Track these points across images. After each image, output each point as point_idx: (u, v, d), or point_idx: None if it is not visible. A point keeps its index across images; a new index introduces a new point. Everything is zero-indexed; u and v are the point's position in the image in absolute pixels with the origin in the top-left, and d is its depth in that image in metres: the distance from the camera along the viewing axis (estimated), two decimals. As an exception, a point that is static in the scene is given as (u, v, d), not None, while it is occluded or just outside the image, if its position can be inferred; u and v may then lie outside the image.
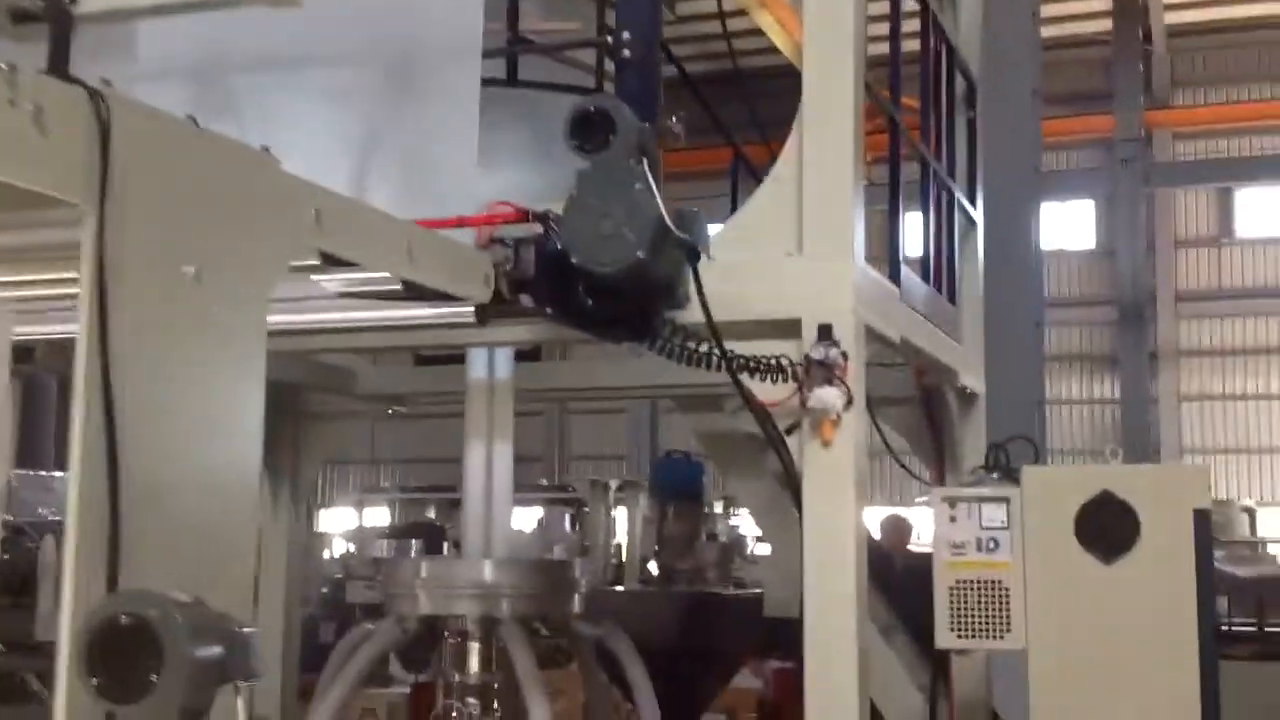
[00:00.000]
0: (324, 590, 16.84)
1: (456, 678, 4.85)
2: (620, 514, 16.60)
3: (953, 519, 4.06)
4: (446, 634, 4.89)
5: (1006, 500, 4.02)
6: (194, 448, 2.11)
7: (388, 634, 4.79)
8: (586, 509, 17.22)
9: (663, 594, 6.88)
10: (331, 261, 2.73)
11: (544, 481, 19.85)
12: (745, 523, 17.26)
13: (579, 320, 3.60)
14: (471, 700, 4.82)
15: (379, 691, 4.96)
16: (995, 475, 4.19)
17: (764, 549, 17.63)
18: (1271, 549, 19.42)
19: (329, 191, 2.58)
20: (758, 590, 7.24)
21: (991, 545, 4.01)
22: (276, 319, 4.09)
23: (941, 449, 5.30)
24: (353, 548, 19.87)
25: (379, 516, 22.29)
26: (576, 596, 4.96)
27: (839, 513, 3.73)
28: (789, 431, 3.74)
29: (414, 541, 5.20)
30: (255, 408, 2.28)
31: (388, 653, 4.77)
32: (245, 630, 1.89)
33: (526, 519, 19.63)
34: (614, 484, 16.52)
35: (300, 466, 6.38)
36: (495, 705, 4.83)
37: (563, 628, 5.01)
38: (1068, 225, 25.14)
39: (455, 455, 5.09)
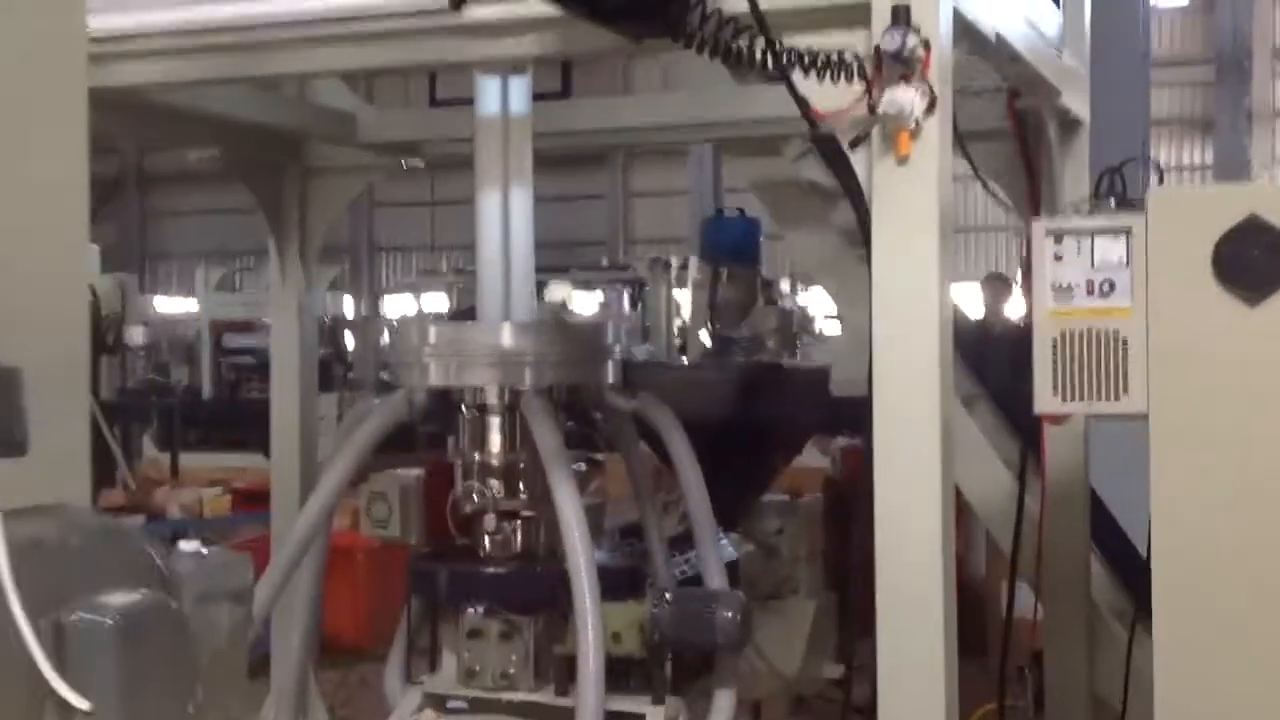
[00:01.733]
0: (382, 374, 16.52)
1: (476, 457, 4.25)
2: (683, 295, 16.01)
3: (1058, 258, 3.29)
4: (463, 408, 4.27)
5: (1126, 231, 3.24)
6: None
7: (394, 409, 4.17)
8: (647, 288, 16.62)
9: (715, 366, 6.19)
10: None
11: (604, 262, 19.19)
12: (813, 299, 16.54)
13: (583, 7, 2.82)
14: (493, 481, 4.22)
15: (390, 473, 4.37)
16: (1111, 203, 3.40)
17: (833, 328, 16.98)
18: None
19: None
20: (823, 363, 6.55)
21: (1106, 288, 3.25)
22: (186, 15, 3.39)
23: (1037, 188, 4.49)
24: (411, 333, 19.45)
25: (438, 302, 21.84)
26: (610, 364, 4.29)
27: (917, 245, 2.98)
28: (854, 145, 2.97)
29: (468, 323, 4.62)
30: (63, 93, 1.57)
31: (392, 429, 4.15)
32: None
33: (587, 302, 19.06)
34: (675, 262, 15.86)
35: (308, 224, 5.74)
36: (521, 487, 4.24)
37: (595, 401, 4.36)
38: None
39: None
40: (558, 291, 17.92)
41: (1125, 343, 3.23)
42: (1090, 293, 3.26)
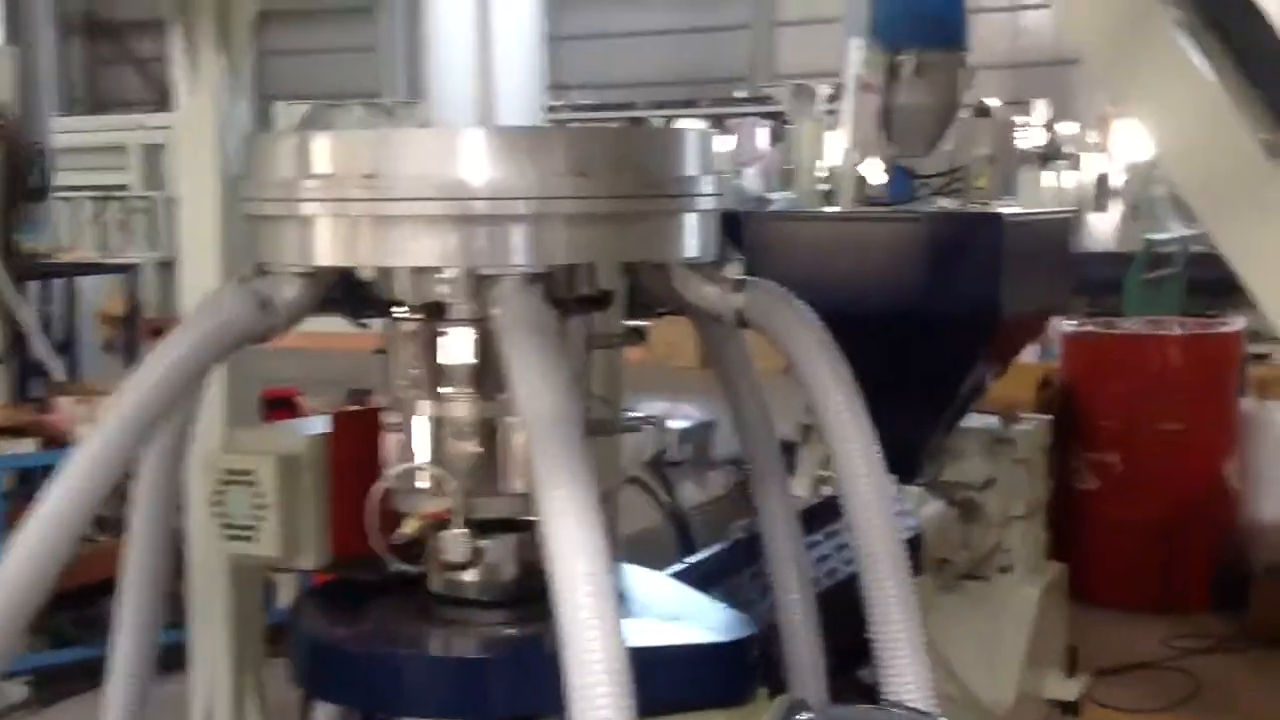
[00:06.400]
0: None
1: (425, 411, 2.08)
2: (833, 137, 13.53)
3: None
4: (393, 312, 2.08)
5: None
6: None
7: (226, 314, 1.97)
8: (790, 125, 14.14)
9: (889, 216, 3.84)
10: None
11: (740, 94, 16.61)
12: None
13: None
14: (459, 460, 2.05)
15: (262, 431, 2.26)
16: None
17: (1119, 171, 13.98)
18: None
19: None
20: (1067, 211, 4.22)
21: None
22: None
23: None
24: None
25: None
26: (691, 220, 2.05)
27: None
28: None
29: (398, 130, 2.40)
30: None
31: (228, 352, 1.97)
32: None
33: (721, 144, 16.64)
34: (824, 91, 13.34)
35: (231, 15, 3.61)
36: (516, 471, 2.06)
37: (664, 293, 2.15)
38: None
39: None
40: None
41: None
42: None
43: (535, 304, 1.87)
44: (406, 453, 2.13)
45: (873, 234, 3.84)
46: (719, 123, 16.24)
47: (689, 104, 16.81)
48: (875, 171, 3.87)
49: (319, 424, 2.28)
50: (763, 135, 14.55)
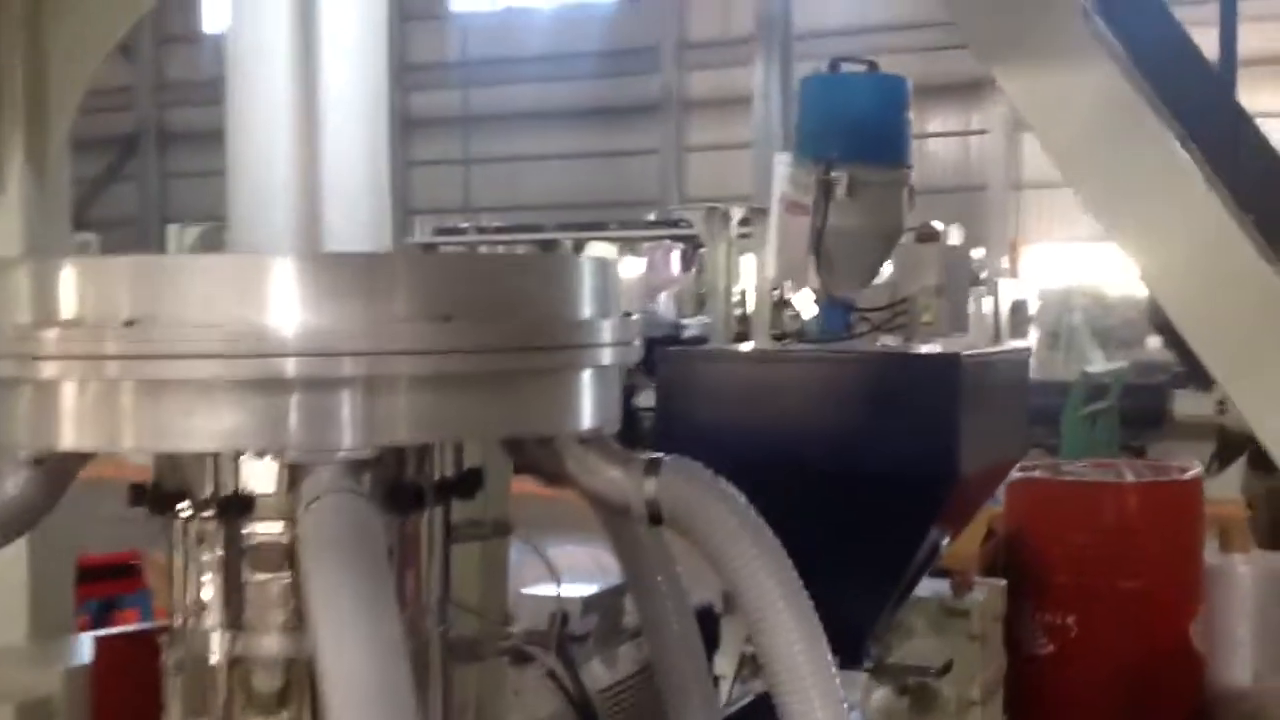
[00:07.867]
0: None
1: (219, 646, 1.49)
2: (747, 262, 13.19)
3: None
4: (177, 513, 1.50)
5: None
6: None
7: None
8: (703, 248, 13.77)
9: (828, 358, 3.28)
10: None
11: (651, 217, 16.24)
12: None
13: None
14: (270, 697, 1.47)
15: (13, 659, 1.65)
16: None
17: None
18: None
19: None
20: (1023, 348, 3.77)
21: None
22: None
23: None
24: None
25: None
26: (586, 379, 1.49)
27: None
28: None
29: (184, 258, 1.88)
30: None
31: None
32: None
33: (634, 267, 16.25)
34: (737, 214, 13.01)
35: (47, 98, 3.09)
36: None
37: (552, 472, 1.59)
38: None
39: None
40: (597, 254, 15.10)
41: None
42: None
43: (351, 511, 1.30)
44: (194, 704, 1.53)
45: (806, 376, 3.31)
46: (630, 246, 15.86)
47: (599, 226, 16.39)
48: (806, 303, 3.36)
49: (81, 653, 1.68)
50: (675, 259, 14.16)
